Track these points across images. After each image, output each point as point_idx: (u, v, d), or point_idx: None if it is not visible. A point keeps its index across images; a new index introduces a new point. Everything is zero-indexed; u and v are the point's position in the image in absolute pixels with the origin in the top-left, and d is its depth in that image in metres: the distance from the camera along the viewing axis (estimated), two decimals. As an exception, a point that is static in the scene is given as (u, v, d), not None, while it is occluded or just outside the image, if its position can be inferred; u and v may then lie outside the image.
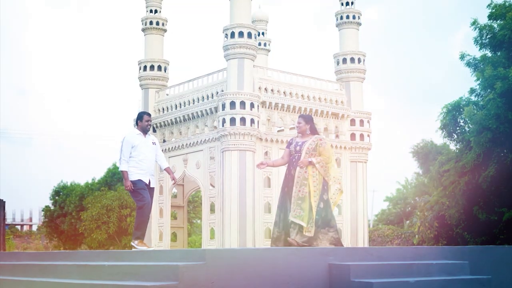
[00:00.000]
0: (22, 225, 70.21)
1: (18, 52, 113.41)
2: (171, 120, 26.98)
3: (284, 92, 25.05)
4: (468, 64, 24.72)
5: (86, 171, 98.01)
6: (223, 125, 23.33)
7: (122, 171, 10.01)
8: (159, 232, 27.25)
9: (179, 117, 26.56)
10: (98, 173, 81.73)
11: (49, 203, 48.57)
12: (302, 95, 25.56)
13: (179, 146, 26.25)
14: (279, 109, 24.77)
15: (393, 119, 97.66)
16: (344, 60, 27.77)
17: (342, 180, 25.14)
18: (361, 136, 27.04)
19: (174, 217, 29.10)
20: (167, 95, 28.00)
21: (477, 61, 24.44)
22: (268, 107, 24.51)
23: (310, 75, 26.56)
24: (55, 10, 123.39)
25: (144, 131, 10.29)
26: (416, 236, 33.22)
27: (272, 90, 24.78)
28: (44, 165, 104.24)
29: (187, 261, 6.96)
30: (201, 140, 24.94)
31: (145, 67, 28.58)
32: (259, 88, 24.40)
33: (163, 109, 27.56)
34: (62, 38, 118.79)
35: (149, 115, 10.49)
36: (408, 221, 48.48)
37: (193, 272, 6.51)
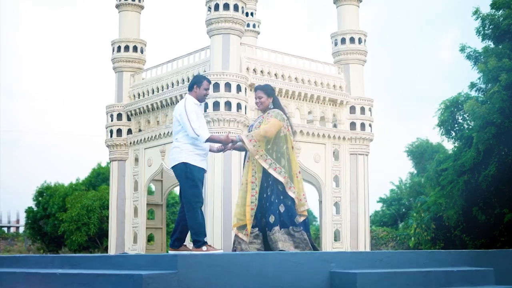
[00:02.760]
0: (9, 227, 73.37)
1: (6, 51, 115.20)
2: (147, 106, 26.22)
3: (275, 74, 24.30)
4: (469, 57, 25.30)
5: (73, 171, 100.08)
6: (205, 111, 22.48)
7: (208, 138, 8.60)
8: (133, 233, 26.55)
9: (156, 102, 25.77)
10: (83, 173, 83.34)
11: (32, 204, 50.26)
12: (295, 78, 24.82)
13: (156, 136, 25.47)
14: (270, 93, 23.97)
15: (386, 119, 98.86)
16: (343, 40, 27.10)
17: (341, 174, 24.55)
18: (362, 125, 26.39)
19: (152, 216, 28.53)
20: (143, 79, 27.25)
21: (477, 54, 25.02)
22: (257, 91, 23.74)
23: (305, 57, 25.90)
24: (34, 8, 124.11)
25: (201, 101, 9.23)
26: (412, 238, 34.17)
27: (261, 71, 24.00)
28: (33, 165, 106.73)
29: (154, 269, 6.22)
30: (181, 129, 24.18)
31: (119, 47, 27.87)
32: (247, 69, 23.59)
33: (139, 94, 26.82)
34: (47, 37, 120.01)
35: (209, 81, 9.40)
36: (402, 223, 49.55)
37: (160, 284, 5.74)
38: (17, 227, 72.73)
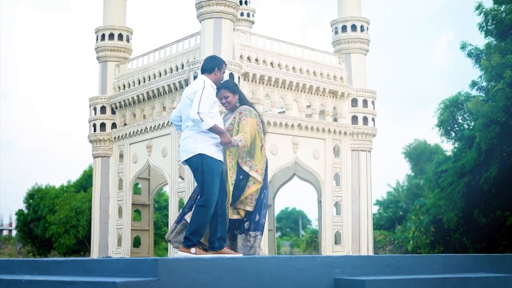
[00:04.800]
0: (1, 230, 75.95)
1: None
2: (132, 98, 25.63)
3: (271, 63, 23.70)
4: (470, 54, 25.68)
5: (67, 173, 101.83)
6: (195, 102, 22.00)
7: (211, 127, 8.14)
8: (117, 235, 25.98)
9: (142, 94, 25.17)
10: (76, 175, 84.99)
11: (23, 206, 51.80)
12: (293, 68, 24.24)
13: (142, 130, 24.88)
14: (265, 83, 23.44)
15: (381, 121, 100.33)
16: (344, 28, 26.54)
17: (342, 171, 24.05)
18: (365, 119, 25.84)
19: (138, 218, 28.05)
20: (128, 69, 26.69)
21: (479, 52, 25.44)
22: (252, 80, 23.11)
23: (304, 45, 25.34)
24: (27, 9, 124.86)
25: (217, 86, 8.76)
26: (411, 242, 34.25)
27: (256, 59, 23.40)
28: (27, 167, 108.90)
29: (132, 275, 5.68)
30: (168, 122, 23.48)
31: (103, 36, 27.27)
32: (241, 56, 22.99)
33: (124, 85, 26.23)
34: (39, 37, 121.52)
35: (226, 65, 8.95)
36: (400, 226, 50.50)
37: (137, 294, 5.21)
38: (10, 230, 74.41)
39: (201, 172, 8.16)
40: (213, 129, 8.14)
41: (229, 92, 8.83)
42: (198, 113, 8.03)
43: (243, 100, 8.96)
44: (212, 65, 8.56)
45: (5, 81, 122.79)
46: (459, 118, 27.24)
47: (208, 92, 8.20)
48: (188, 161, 8.34)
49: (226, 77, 22.12)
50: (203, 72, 8.58)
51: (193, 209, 8.37)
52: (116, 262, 6.25)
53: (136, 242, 27.74)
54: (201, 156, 8.17)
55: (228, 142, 8.29)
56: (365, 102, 25.98)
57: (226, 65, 8.85)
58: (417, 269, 7.62)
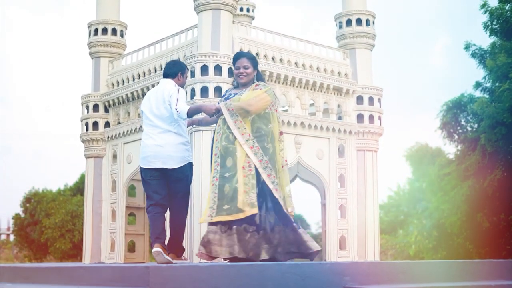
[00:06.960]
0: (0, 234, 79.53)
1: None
2: (126, 95, 25.27)
3: (272, 58, 23.38)
4: (474, 55, 25.91)
5: (65, 177, 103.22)
6: (192, 97, 21.54)
7: (188, 111, 8.42)
8: (111, 240, 25.66)
9: (137, 90, 24.81)
10: (73, 178, 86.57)
11: (19, 210, 53.46)
12: (295, 63, 23.92)
13: (136, 129, 24.55)
14: (266, 79, 23.04)
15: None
16: (349, 22, 26.17)
17: (347, 172, 23.68)
18: (371, 117, 25.51)
19: (133, 221, 27.73)
20: (122, 65, 26.39)
21: (483, 52, 25.64)
22: (252, 76, 22.85)
23: (306, 39, 25.04)
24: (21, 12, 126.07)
25: None
26: (413, 246, 34.17)
27: (257, 54, 23.00)
28: (26, 171, 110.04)
29: (120, 285, 5.34)
30: (164, 120, 23.22)
31: (96, 30, 26.89)
32: (240, 50, 22.73)
33: (118, 82, 25.90)
34: (34, 39, 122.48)
35: (188, 69, 9.22)
36: (400, 230, 51.17)
37: (125, 306, 4.87)
38: (8, 235, 76.71)
39: (191, 180, 8.68)
40: (192, 110, 8.32)
41: (251, 64, 8.47)
42: (175, 108, 8.33)
43: (261, 79, 8.61)
44: (175, 70, 8.76)
45: (3, 85, 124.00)
46: (462, 120, 27.25)
47: (183, 94, 8.43)
48: (180, 169, 8.58)
49: (225, 72, 21.84)
50: (166, 76, 8.77)
51: (178, 217, 8.35)
52: (104, 270, 5.92)
53: (132, 247, 27.44)
54: (191, 165, 8.69)
55: (212, 111, 8.26)
56: (370, 100, 25.62)
57: (188, 70, 9.02)
58: (433, 276, 7.36)
